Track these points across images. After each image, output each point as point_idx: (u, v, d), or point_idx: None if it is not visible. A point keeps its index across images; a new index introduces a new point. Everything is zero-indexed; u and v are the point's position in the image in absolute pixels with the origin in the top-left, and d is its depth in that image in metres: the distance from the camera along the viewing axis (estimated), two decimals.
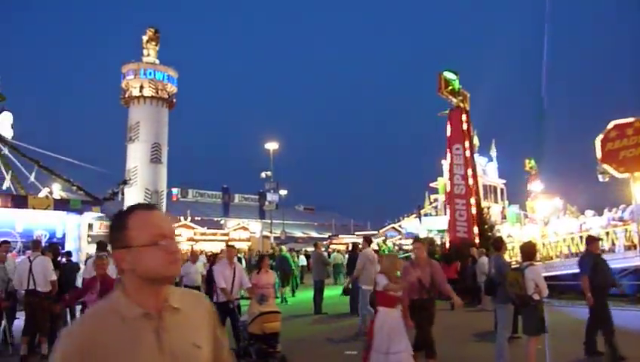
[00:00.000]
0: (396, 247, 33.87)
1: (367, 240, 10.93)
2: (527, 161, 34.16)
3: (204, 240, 44.62)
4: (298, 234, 60.35)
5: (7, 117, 14.31)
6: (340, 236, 53.01)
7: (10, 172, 14.72)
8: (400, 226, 50.80)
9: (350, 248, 14.12)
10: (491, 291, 7.23)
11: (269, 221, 37.42)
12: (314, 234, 63.88)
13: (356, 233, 55.32)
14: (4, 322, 7.89)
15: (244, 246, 44.72)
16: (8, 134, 14.35)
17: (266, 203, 34.31)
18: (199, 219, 52.46)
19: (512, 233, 20.23)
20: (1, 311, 7.73)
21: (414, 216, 49.46)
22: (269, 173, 32.00)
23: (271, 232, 34.23)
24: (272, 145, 31.98)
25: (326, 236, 56.74)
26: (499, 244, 7.55)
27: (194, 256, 11.75)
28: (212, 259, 11.50)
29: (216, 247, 40.57)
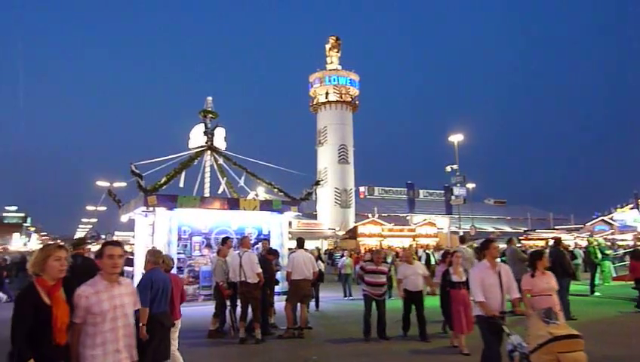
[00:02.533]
0: (608, 243, 29.50)
1: (461, 239, 11.46)
2: None
3: (392, 237, 45.26)
4: (489, 229, 57.07)
5: (220, 132, 16.46)
6: (537, 231, 48.45)
7: (225, 178, 16.96)
8: (612, 219, 44.24)
9: (552, 243, 12.84)
10: None
11: (457, 216, 36.14)
12: (507, 229, 59.68)
13: (556, 227, 49.94)
14: (229, 307, 9.17)
15: (431, 242, 44.13)
16: (222, 146, 16.50)
17: (453, 197, 33.22)
18: (386, 215, 53.49)
19: None
20: (225, 298, 9.01)
21: (630, 206, 42.60)
22: (454, 166, 30.94)
23: (459, 228, 33.03)
24: (456, 138, 30.82)
25: (521, 231, 52.48)
26: None
27: (408, 254, 9.50)
28: (447, 257, 9.11)
29: (404, 243, 40.86)
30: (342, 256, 19.19)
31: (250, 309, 8.61)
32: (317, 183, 17.82)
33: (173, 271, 12.45)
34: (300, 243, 9.75)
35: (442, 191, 53.34)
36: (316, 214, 51.36)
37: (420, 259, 17.56)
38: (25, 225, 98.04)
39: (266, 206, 14.50)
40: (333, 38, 55.72)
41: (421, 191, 65.47)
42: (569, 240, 35.01)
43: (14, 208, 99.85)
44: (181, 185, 15.41)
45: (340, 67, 54.72)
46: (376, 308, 8.65)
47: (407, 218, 53.07)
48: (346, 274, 15.91)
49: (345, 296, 15.19)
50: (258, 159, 17.17)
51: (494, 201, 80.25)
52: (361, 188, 63.89)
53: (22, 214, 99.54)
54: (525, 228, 55.03)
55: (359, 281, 9.87)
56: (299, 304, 9.25)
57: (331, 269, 23.19)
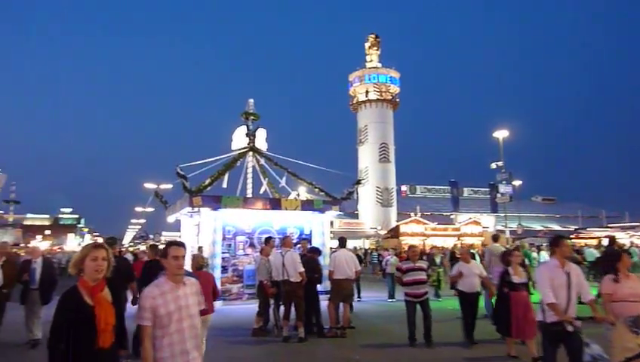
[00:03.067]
0: None
1: (494, 237, 11.09)
2: None
3: (436, 236, 44.50)
4: (537, 227, 55.30)
5: (262, 133, 16.70)
6: (588, 229, 46.43)
7: (266, 179, 17.18)
8: None
9: (607, 242, 12.30)
10: None
11: (503, 214, 35.14)
12: (556, 228, 57.68)
13: (610, 225, 47.74)
14: (273, 306, 9.26)
15: (476, 241, 43.11)
16: (263, 147, 16.72)
17: (498, 195, 32.30)
18: (429, 214, 52.72)
19: None
20: (270, 297, 9.10)
21: None
22: (499, 163, 30.07)
23: (505, 226, 32.09)
24: (501, 134, 29.95)
25: (571, 229, 50.48)
26: None
27: (465, 252, 8.76)
28: (505, 257, 7.81)
29: (449, 243, 40.09)
30: (378, 254, 18.92)
31: (293, 308, 8.67)
32: (358, 182, 17.76)
33: (217, 270, 12.81)
34: (342, 243, 9.74)
35: (487, 189, 52.04)
36: (358, 213, 51.20)
37: None
38: (79, 226, 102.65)
39: (307, 206, 14.58)
40: (373, 35, 55.42)
41: (465, 190, 64.23)
42: (624, 238, 33.37)
43: (69, 210, 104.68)
44: (224, 185, 15.73)
45: (379, 65, 54.36)
46: (420, 309, 8.01)
47: (451, 217, 52.09)
48: (392, 273, 15.49)
49: (390, 298, 14.69)
50: (299, 159, 17.31)
51: (542, 199, 77.65)
52: (403, 187, 63.38)
53: (76, 216, 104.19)
54: (576, 227, 52.91)
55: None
56: (341, 303, 9.25)
57: (366, 269, 22.98)
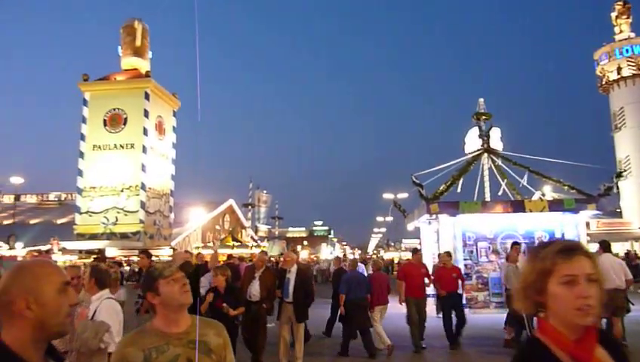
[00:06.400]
0: None
1: None
2: None
3: None
4: None
5: (496, 132, 16.04)
6: None
7: (505, 180, 16.32)
8: None
9: None
10: None
11: None
12: None
13: None
14: (526, 317, 8.62)
15: None
16: (499, 147, 16.00)
17: None
18: None
19: None
20: None
21: None
22: None
23: None
24: None
25: None
26: None
27: None
28: None
29: None
30: None
31: None
32: (619, 175, 15.45)
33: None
34: (606, 247, 8.56)
35: None
36: (621, 212, 43.98)
37: None
38: (329, 236, 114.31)
39: (556, 206, 13.29)
40: (621, 3, 47.48)
41: None
42: None
43: (321, 223, 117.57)
44: (458, 190, 15.59)
45: (633, 35, 46.20)
46: None
47: None
48: None
49: None
50: (540, 155, 16.15)
51: None
52: None
53: (327, 228, 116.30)
54: None
55: None
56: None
57: None
